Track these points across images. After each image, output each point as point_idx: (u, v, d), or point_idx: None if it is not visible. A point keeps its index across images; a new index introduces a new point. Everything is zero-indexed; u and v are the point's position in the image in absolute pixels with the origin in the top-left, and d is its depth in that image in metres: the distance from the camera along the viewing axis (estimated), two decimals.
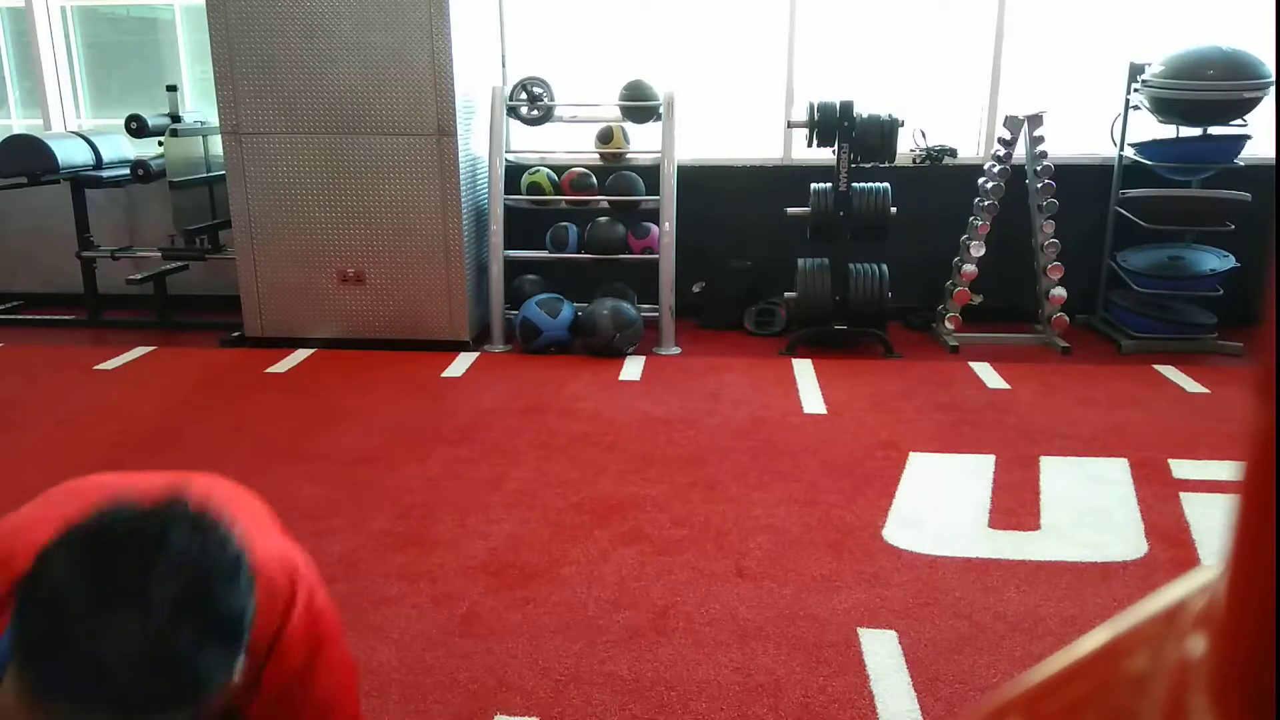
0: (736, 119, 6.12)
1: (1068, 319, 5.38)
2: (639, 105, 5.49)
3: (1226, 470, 3.69)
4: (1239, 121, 5.10)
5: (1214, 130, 5.21)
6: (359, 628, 2.69)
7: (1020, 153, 5.46)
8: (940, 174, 5.84)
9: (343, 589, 2.89)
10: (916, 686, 2.42)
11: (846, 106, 5.14)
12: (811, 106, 5.21)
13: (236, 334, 5.59)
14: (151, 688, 0.87)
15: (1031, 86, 5.76)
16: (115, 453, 3.97)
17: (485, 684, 2.44)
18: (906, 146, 5.58)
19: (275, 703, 1.18)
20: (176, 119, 5.79)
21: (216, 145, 5.72)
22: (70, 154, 5.79)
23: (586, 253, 5.54)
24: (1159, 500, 3.44)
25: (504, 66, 6.02)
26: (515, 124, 5.80)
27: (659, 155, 5.41)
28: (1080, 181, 5.65)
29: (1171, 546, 3.12)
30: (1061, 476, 3.66)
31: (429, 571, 2.99)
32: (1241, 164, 5.19)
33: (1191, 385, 4.71)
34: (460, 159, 5.22)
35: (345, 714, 1.30)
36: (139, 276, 5.85)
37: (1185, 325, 5.35)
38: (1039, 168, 5.35)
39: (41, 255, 6.45)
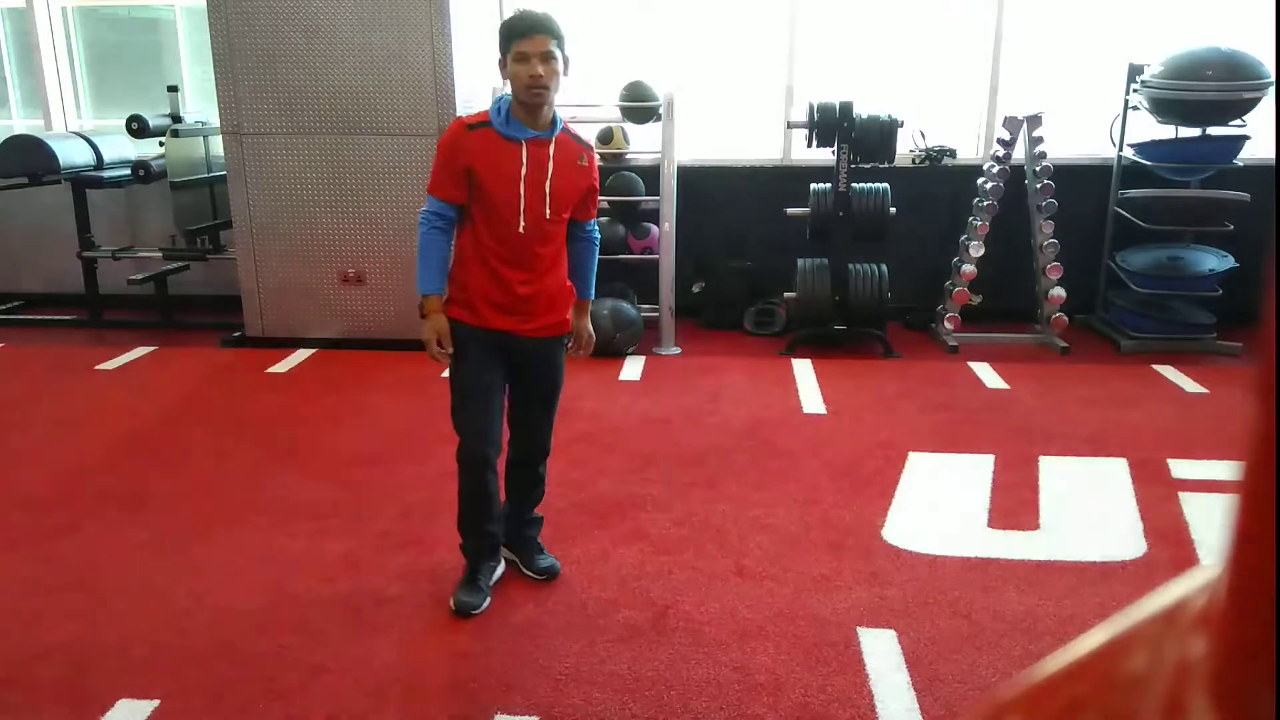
0: (736, 120, 6.12)
1: (1067, 319, 5.38)
2: (639, 105, 5.49)
3: (1226, 470, 3.69)
4: (1238, 122, 5.11)
5: (1213, 130, 5.21)
6: (360, 627, 2.69)
7: (1020, 153, 5.46)
8: (940, 174, 5.84)
9: (343, 589, 2.90)
10: (916, 686, 2.42)
11: (846, 107, 5.15)
12: (811, 107, 5.21)
13: (237, 334, 5.59)
14: (548, 20, 2.51)
15: (1031, 87, 5.76)
16: (116, 453, 3.97)
17: (485, 684, 2.45)
18: (906, 147, 5.58)
19: (595, 163, 2.71)
20: (177, 119, 5.80)
21: (217, 145, 5.72)
22: (71, 154, 5.79)
23: None
24: (1158, 500, 3.44)
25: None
26: None
27: (659, 155, 5.41)
28: (1080, 181, 5.65)
29: (1170, 546, 3.12)
30: (1061, 476, 3.67)
31: (429, 571, 2.99)
32: (1241, 164, 5.19)
33: (1191, 385, 4.71)
34: None
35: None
36: (140, 277, 5.85)
37: (1184, 325, 5.36)
38: (1038, 168, 5.36)
39: (42, 255, 6.45)
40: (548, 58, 2.48)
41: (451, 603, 2.75)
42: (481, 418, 2.71)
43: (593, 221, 2.81)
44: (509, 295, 2.64)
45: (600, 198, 5.69)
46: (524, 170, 2.55)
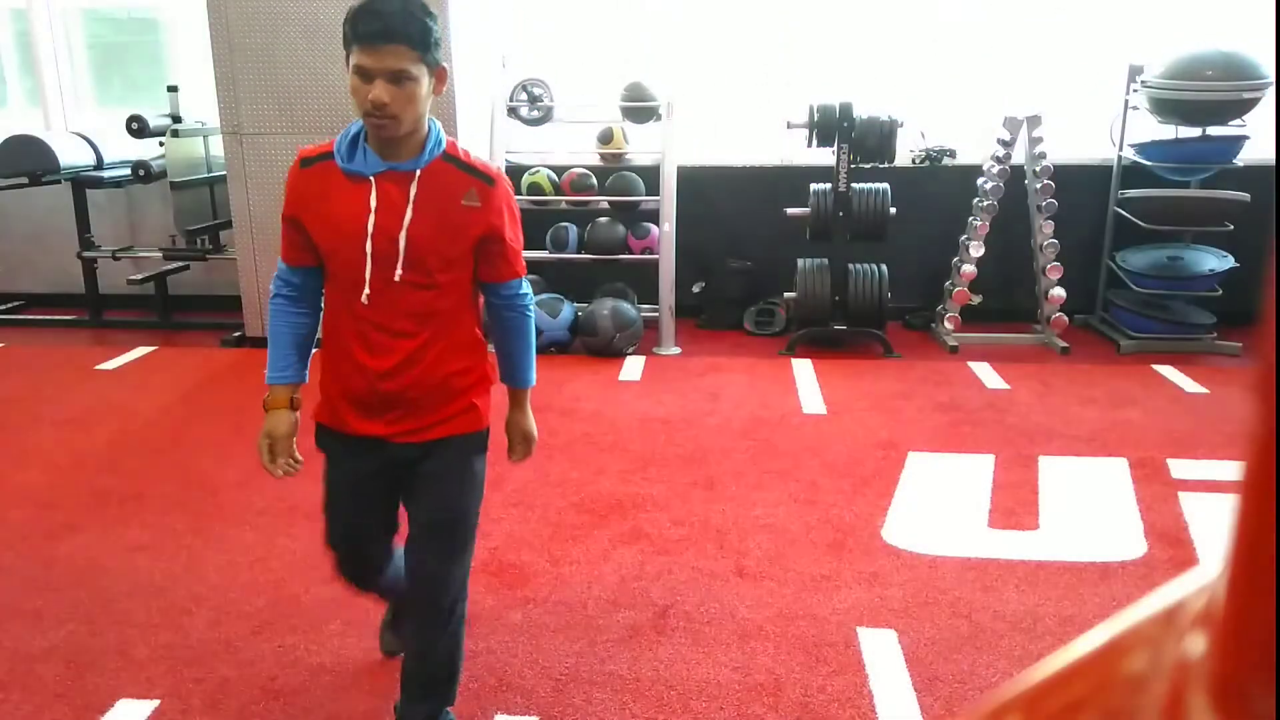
0: (736, 120, 6.12)
1: (1067, 319, 5.38)
2: (639, 106, 5.49)
3: (1226, 470, 3.69)
4: (1238, 122, 5.10)
5: (1213, 131, 5.21)
6: (359, 627, 2.69)
7: (1020, 153, 5.46)
8: (940, 174, 5.84)
9: (343, 589, 2.89)
10: (916, 686, 2.42)
11: (846, 107, 5.15)
12: (811, 108, 5.21)
13: (237, 334, 5.59)
14: (405, 21, 1.73)
15: (1031, 87, 5.76)
16: (116, 453, 3.97)
17: (485, 684, 2.45)
18: (906, 147, 5.58)
19: (502, 201, 1.93)
20: (177, 119, 5.79)
21: (217, 145, 5.72)
22: (71, 154, 5.79)
23: (586, 253, 5.54)
24: (1158, 500, 3.44)
25: (505, 67, 6.01)
26: (515, 124, 5.80)
27: (659, 156, 5.41)
28: (1080, 182, 5.65)
29: (1170, 546, 3.12)
30: (1060, 476, 3.67)
31: None
32: (1241, 164, 5.19)
33: (1190, 385, 4.71)
34: None
35: (519, 242, 2.02)
36: (140, 277, 5.85)
37: (1184, 325, 5.36)
38: (1038, 168, 5.36)
39: (42, 255, 6.45)
40: (399, 79, 1.75)
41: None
42: (352, 560, 2.17)
43: (516, 282, 2.02)
44: (372, 390, 1.93)
45: (600, 197, 5.77)
46: (372, 217, 1.85)
